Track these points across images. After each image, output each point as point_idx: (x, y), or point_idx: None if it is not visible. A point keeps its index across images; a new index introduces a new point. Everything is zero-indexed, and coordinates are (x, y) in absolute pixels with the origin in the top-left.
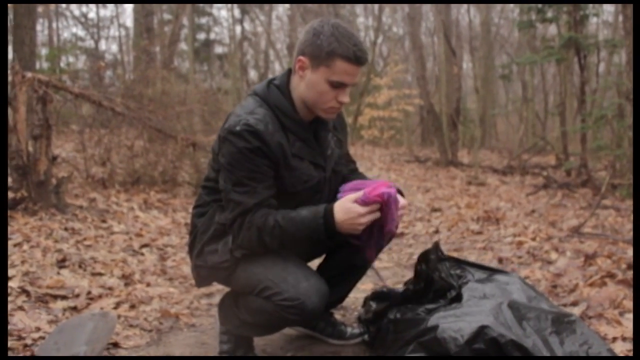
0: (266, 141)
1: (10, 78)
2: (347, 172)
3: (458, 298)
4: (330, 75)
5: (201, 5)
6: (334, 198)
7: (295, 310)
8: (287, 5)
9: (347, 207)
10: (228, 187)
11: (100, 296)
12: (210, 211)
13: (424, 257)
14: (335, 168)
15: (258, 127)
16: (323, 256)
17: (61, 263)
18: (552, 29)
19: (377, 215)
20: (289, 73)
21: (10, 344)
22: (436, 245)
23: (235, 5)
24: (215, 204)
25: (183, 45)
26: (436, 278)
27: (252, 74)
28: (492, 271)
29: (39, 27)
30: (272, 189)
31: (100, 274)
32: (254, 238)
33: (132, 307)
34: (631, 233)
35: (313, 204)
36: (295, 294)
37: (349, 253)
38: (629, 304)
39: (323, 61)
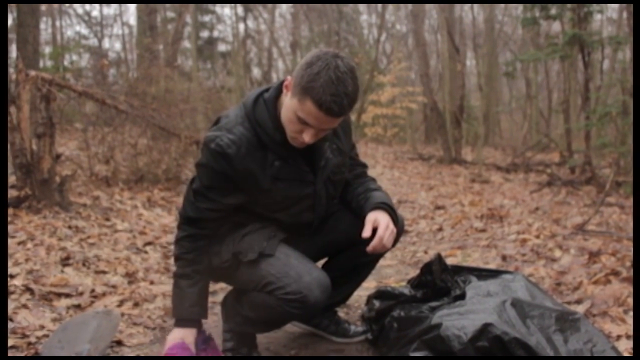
0: (233, 166)
1: (14, 76)
2: (352, 178)
3: (462, 296)
4: (298, 110)
5: (204, 3)
6: (331, 207)
7: (297, 303)
8: (290, 3)
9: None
10: (189, 188)
11: (104, 294)
12: None
13: (428, 269)
14: (333, 178)
15: (228, 151)
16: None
17: (65, 261)
18: (556, 26)
19: None
20: (281, 86)
21: (14, 342)
22: (439, 257)
23: (238, 3)
24: None
25: (186, 43)
26: (441, 285)
27: (256, 72)
28: (495, 273)
29: (42, 26)
30: (228, 198)
31: (104, 272)
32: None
33: (136, 305)
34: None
35: (305, 219)
36: (297, 287)
37: (353, 253)
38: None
39: (297, 94)
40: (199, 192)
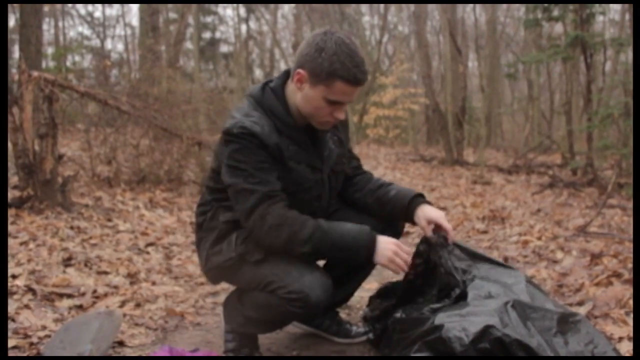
0: (264, 141)
1: (16, 77)
2: (351, 171)
3: (463, 297)
4: (328, 94)
5: (207, 4)
6: (334, 198)
7: (299, 303)
8: (292, 4)
9: (391, 240)
10: (238, 180)
11: (105, 295)
12: (212, 211)
13: (426, 239)
14: (335, 168)
15: (254, 129)
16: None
17: (67, 262)
18: (558, 28)
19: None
20: (285, 76)
21: (16, 342)
22: (442, 235)
23: (240, 4)
24: (217, 203)
25: (188, 44)
26: (441, 272)
27: (258, 73)
28: (497, 264)
29: (45, 26)
30: (280, 181)
31: (106, 273)
32: (282, 237)
33: (138, 305)
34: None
35: (312, 209)
36: (299, 287)
37: None
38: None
39: (322, 80)
40: (248, 181)
